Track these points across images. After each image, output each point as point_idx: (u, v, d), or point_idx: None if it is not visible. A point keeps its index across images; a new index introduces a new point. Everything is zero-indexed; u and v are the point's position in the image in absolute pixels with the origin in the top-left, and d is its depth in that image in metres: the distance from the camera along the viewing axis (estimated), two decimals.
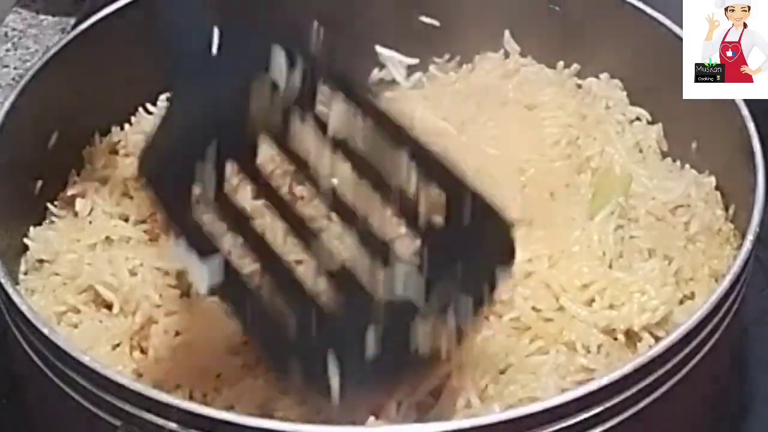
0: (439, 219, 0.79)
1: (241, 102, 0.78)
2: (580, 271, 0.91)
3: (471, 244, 0.80)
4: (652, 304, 0.89)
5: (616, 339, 0.88)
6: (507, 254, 0.81)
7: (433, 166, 0.79)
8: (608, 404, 0.77)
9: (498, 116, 1.06)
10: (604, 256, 0.93)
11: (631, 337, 0.89)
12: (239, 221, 0.80)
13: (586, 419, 0.77)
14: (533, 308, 0.89)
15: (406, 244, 0.79)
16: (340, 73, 0.80)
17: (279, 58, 0.78)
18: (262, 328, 0.79)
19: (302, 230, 0.80)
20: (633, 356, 0.85)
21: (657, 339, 0.88)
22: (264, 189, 0.80)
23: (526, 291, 0.90)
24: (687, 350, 0.80)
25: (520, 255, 0.92)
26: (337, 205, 0.80)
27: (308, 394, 0.80)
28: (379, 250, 0.79)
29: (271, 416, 0.82)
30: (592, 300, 0.90)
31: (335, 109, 0.79)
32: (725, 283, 0.83)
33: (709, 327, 0.82)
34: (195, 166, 0.77)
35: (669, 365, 0.79)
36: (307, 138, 0.79)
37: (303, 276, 0.79)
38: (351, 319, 0.78)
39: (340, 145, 0.79)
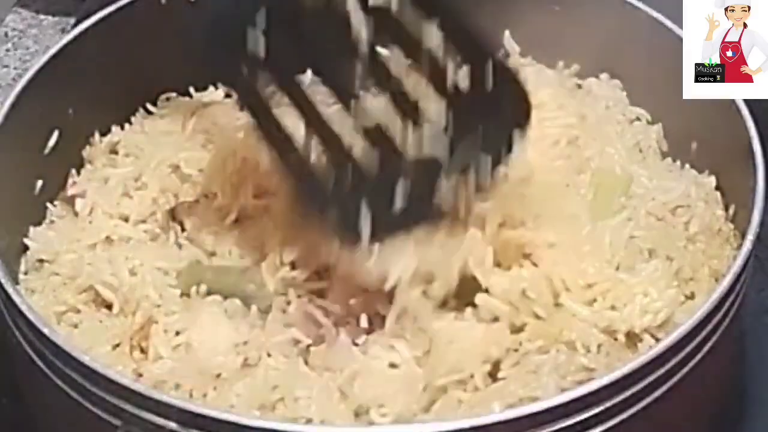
0: (464, 85, 0.87)
1: None
2: (585, 270, 0.91)
3: (492, 108, 0.87)
4: (655, 307, 0.89)
5: (616, 339, 0.88)
6: (524, 118, 0.88)
7: (460, 36, 0.87)
8: (608, 404, 0.77)
9: None
10: (613, 258, 0.92)
11: (632, 337, 0.89)
12: (286, 79, 0.88)
13: (586, 419, 0.77)
14: (532, 305, 0.89)
15: (433, 107, 0.87)
16: None
17: None
18: (302, 177, 0.87)
19: (342, 90, 0.88)
20: (633, 356, 0.85)
21: (657, 340, 0.87)
22: (308, 48, 0.87)
23: (526, 285, 0.90)
24: (687, 350, 0.80)
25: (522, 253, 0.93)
26: (374, 67, 0.87)
27: (341, 239, 0.87)
28: (410, 111, 0.87)
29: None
30: (594, 300, 0.90)
31: None
32: (725, 283, 0.83)
33: (709, 327, 0.82)
34: (247, 30, 0.85)
35: (669, 365, 0.79)
36: (349, 5, 0.87)
37: (341, 132, 0.87)
38: (383, 173, 0.86)
39: (377, 13, 0.86)
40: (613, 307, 0.89)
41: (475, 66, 0.87)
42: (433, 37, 0.86)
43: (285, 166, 0.88)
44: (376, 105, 0.88)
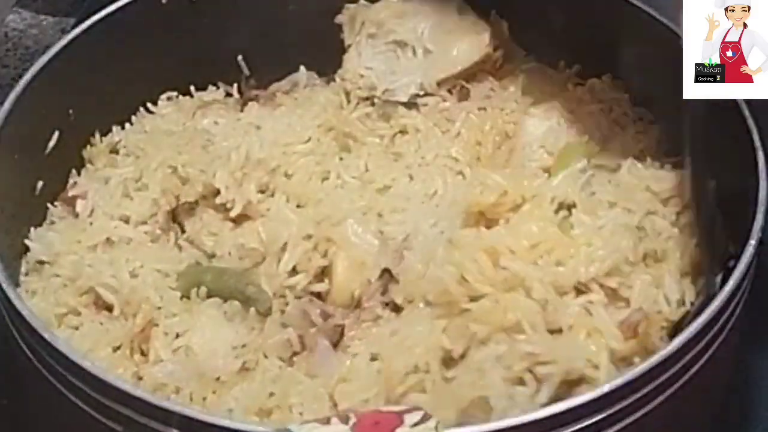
0: None
1: None
2: (528, 230, 0.88)
3: None
4: (599, 255, 0.87)
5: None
6: None
7: None
8: (609, 411, 0.77)
9: None
10: (557, 214, 0.90)
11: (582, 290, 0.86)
12: None
13: (587, 426, 0.76)
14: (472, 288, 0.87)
15: None
16: None
17: None
18: None
19: None
20: (637, 363, 0.81)
21: (613, 290, 0.86)
22: None
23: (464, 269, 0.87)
24: (689, 356, 0.80)
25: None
26: None
27: None
28: None
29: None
30: (540, 257, 0.87)
31: None
32: (728, 287, 0.82)
33: (713, 331, 0.81)
34: None
35: (672, 370, 0.79)
36: None
37: None
38: None
39: None
40: (558, 263, 0.87)
41: None
42: None
43: None
44: None
